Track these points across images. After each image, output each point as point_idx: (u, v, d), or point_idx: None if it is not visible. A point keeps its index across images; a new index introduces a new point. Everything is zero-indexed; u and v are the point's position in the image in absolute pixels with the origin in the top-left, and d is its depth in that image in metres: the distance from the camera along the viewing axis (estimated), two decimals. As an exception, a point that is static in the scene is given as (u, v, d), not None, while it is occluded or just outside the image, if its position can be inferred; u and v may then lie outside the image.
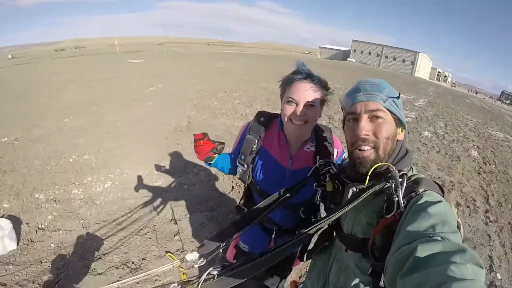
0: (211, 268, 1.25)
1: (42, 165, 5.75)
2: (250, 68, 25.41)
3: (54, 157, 6.09)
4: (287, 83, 1.64)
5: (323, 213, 1.68)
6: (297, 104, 1.58)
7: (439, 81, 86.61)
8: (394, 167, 1.08)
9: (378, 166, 1.14)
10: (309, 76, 1.60)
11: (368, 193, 1.09)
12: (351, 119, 1.24)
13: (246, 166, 1.86)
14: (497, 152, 9.08)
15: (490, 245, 4.47)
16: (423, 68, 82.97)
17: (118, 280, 3.17)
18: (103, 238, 3.87)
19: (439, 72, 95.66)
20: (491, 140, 10.54)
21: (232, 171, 1.99)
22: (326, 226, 1.50)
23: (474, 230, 4.67)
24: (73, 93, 12.35)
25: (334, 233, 1.52)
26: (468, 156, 8.21)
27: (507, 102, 62.33)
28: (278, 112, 1.83)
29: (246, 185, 2.02)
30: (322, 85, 1.65)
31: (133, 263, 3.49)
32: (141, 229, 4.03)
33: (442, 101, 20.30)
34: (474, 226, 4.77)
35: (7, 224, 3.69)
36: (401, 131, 1.24)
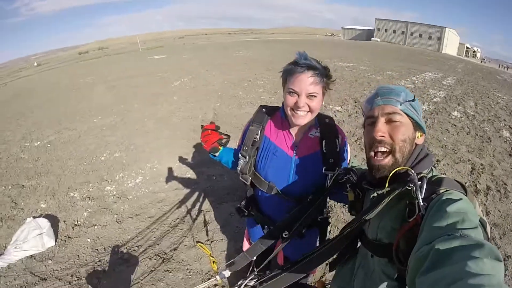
0: (247, 280, 1.31)
1: (75, 165, 5.98)
2: (272, 55, 25.29)
3: (86, 157, 6.32)
4: (288, 74, 1.59)
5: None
6: (298, 95, 1.55)
7: (468, 57, 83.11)
8: (412, 171, 1.09)
9: (397, 170, 1.14)
10: (310, 68, 1.54)
11: (390, 198, 1.09)
12: (370, 122, 1.25)
13: (248, 157, 1.81)
14: None
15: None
16: (451, 44, 79.86)
17: (151, 271, 3.31)
18: (136, 231, 3.99)
19: (467, 47, 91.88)
20: None
21: (236, 164, 1.94)
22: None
23: (505, 215, 4.47)
24: (100, 94, 12.69)
25: (359, 242, 1.50)
26: (500, 137, 7.80)
27: (541, 77, 59.39)
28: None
29: (248, 183, 1.90)
30: (324, 74, 1.59)
31: (165, 253, 3.57)
32: (173, 221, 4.13)
33: (472, 78, 19.52)
34: (504, 211, 4.56)
35: (45, 222, 3.86)
36: (420, 135, 1.24)
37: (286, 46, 36.49)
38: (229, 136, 1.95)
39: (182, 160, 5.90)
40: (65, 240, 3.92)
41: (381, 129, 1.18)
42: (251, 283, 1.33)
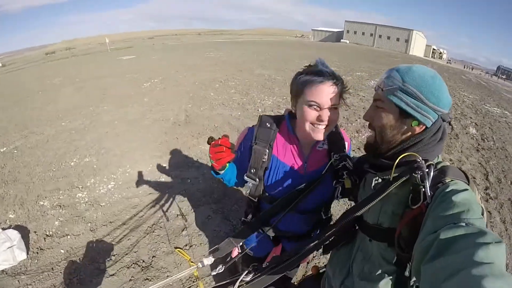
0: (243, 275, 1.29)
1: (43, 172, 5.77)
2: (243, 55, 25.28)
3: (55, 162, 6.11)
4: (306, 84, 1.42)
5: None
6: (320, 108, 1.42)
7: (434, 58, 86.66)
8: (420, 158, 1.07)
9: (406, 155, 1.12)
10: (332, 77, 1.41)
11: (396, 185, 1.07)
12: None
13: (258, 179, 1.65)
14: (495, 129, 9.11)
15: (491, 222, 4.51)
16: (418, 46, 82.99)
17: (130, 280, 3.23)
18: (112, 239, 3.90)
19: (434, 49, 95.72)
20: (488, 116, 10.57)
21: (239, 184, 1.80)
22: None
23: None
24: (68, 96, 12.33)
25: (356, 226, 1.50)
26: (467, 133, 8.22)
27: (503, 77, 61.95)
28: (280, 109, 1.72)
29: (255, 200, 1.78)
30: (342, 82, 1.47)
31: (143, 261, 3.51)
32: (149, 227, 4.06)
33: None
34: None
35: (15, 234, 3.71)
36: (416, 125, 1.16)
37: (257, 47, 36.64)
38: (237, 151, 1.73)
39: (155, 163, 5.80)
40: (37, 252, 3.78)
41: (368, 113, 1.27)
42: (248, 278, 1.32)
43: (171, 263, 3.46)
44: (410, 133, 1.19)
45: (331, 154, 1.61)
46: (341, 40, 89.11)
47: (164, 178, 5.30)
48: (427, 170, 1.02)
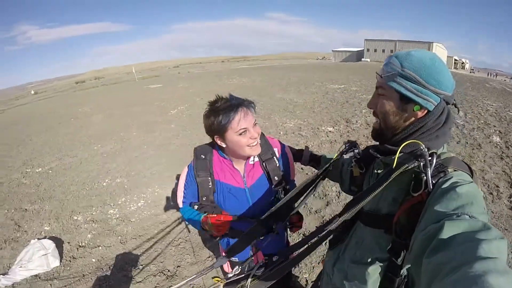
0: (255, 269, 1.35)
1: (77, 190, 6.13)
2: (265, 80, 25.70)
3: (88, 182, 6.48)
4: (228, 121, 1.64)
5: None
6: (248, 130, 1.66)
7: (457, 69, 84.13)
8: (423, 145, 1.06)
9: (409, 142, 1.12)
10: (242, 104, 1.67)
11: (399, 172, 1.07)
12: None
13: (210, 204, 1.87)
14: None
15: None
16: None
17: (155, 287, 3.44)
18: (140, 250, 4.13)
19: (455, 59, 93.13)
20: None
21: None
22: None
23: (498, 216, 4.56)
24: (98, 122, 12.90)
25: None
26: (490, 142, 7.95)
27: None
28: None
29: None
30: (249, 102, 1.73)
31: (169, 271, 3.71)
32: (175, 240, 4.26)
33: (461, 89, 19.63)
34: (497, 212, 4.66)
35: (50, 243, 4.01)
36: (418, 109, 1.15)
37: (278, 72, 37.08)
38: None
39: (182, 184, 5.99)
40: (70, 260, 4.04)
41: (370, 101, 1.27)
42: (259, 272, 1.35)
43: (194, 272, 3.63)
44: (413, 118, 1.17)
45: (263, 163, 1.90)
46: (362, 59, 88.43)
47: (190, 198, 5.47)
48: (429, 158, 1.03)
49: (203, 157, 1.85)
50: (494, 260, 0.62)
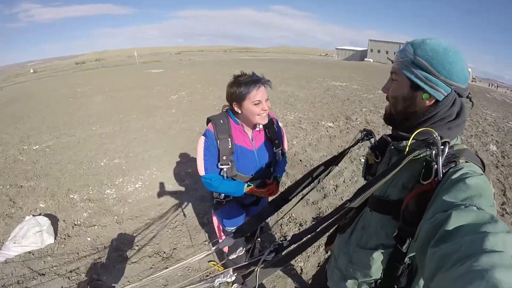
0: (266, 254, 1.34)
1: (74, 169, 6.07)
2: (267, 72, 25.00)
3: (86, 162, 6.42)
4: (248, 91, 2.03)
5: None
6: (261, 102, 2.06)
7: None
8: (437, 133, 1.05)
9: (422, 129, 1.10)
10: (260, 81, 2.08)
11: (409, 158, 1.07)
12: None
13: (230, 163, 2.20)
14: None
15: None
16: None
17: (150, 268, 3.40)
18: (136, 231, 4.09)
19: None
20: (511, 134, 10.30)
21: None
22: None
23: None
24: (98, 103, 12.83)
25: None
26: (486, 150, 8.07)
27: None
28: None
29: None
30: (267, 81, 2.13)
31: (164, 252, 3.67)
32: (171, 223, 4.23)
33: None
34: None
35: (45, 220, 3.96)
36: (426, 98, 1.15)
37: (281, 65, 37.13)
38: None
39: (180, 168, 6.01)
40: (64, 238, 4.00)
41: (385, 86, 1.29)
42: (270, 257, 1.32)
43: (190, 255, 3.59)
44: (421, 106, 1.18)
45: (266, 130, 2.35)
46: (365, 59, 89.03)
47: (188, 181, 5.47)
48: (442, 147, 1.02)
49: (222, 122, 2.18)
50: (500, 254, 0.61)
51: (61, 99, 14.51)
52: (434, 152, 1.03)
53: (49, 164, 6.44)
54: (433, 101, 1.15)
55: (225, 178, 2.25)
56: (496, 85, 65.99)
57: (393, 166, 1.09)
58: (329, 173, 1.76)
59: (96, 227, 4.21)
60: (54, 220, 4.25)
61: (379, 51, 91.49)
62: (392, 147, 1.34)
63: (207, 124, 2.27)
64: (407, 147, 1.12)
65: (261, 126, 2.31)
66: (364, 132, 1.60)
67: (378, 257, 1.29)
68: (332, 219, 1.25)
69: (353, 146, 1.65)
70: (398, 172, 1.09)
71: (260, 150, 2.33)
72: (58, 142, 7.87)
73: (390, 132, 1.41)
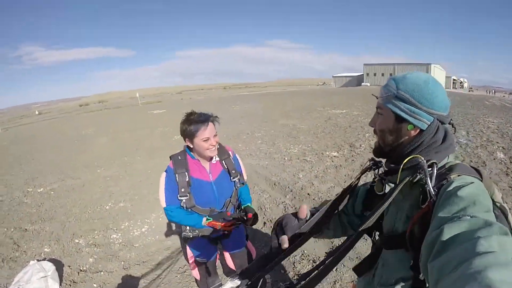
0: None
1: (79, 213, 6.03)
2: (268, 107, 25.89)
3: (91, 205, 6.38)
4: (197, 130, 2.30)
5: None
6: (210, 139, 2.32)
7: (456, 88, 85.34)
8: (422, 158, 1.09)
9: (410, 158, 1.14)
10: (208, 119, 2.35)
11: (401, 187, 1.11)
12: None
13: (188, 195, 2.40)
14: None
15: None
16: (437, 78, 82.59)
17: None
18: (144, 277, 4.01)
19: (454, 79, 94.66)
20: None
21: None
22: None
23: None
24: (102, 145, 12.91)
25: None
26: (494, 159, 7.98)
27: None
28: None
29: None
30: (215, 118, 2.44)
31: (174, 299, 3.59)
32: (180, 267, 4.15)
33: (461, 109, 19.95)
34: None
35: (50, 266, 3.86)
36: (411, 128, 1.20)
37: (280, 98, 37.51)
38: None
39: (186, 210, 5.92)
40: (70, 285, 3.93)
41: (371, 120, 1.35)
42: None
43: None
44: (407, 136, 1.23)
45: (222, 162, 2.56)
46: (362, 83, 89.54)
47: (195, 224, 5.38)
48: (429, 169, 1.06)
49: (180, 158, 2.46)
50: (494, 254, 0.62)
51: (65, 141, 14.64)
52: (423, 175, 1.06)
53: (54, 207, 6.40)
54: (418, 130, 1.20)
55: (185, 209, 2.44)
56: (493, 91, 66.44)
57: (386, 197, 1.13)
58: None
59: (102, 273, 4.14)
60: (59, 266, 4.18)
61: (375, 74, 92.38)
62: (389, 182, 1.38)
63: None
64: (398, 177, 1.16)
65: (217, 158, 2.55)
66: (372, 162, 1.57)
67: None
68: (337, 254, 1.27)
69: (360, 176, 1.59)
70: (400, 205, 1.19)
71: (217, 181, 2.52)
72: (63, 184, 7.87)
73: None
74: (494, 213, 0.95)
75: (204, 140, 2.30)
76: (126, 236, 5.10)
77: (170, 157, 2.51)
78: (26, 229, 5.44)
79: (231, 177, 2.58)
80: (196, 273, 3.06)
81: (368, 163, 1.58)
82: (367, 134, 11.78)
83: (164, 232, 5.14)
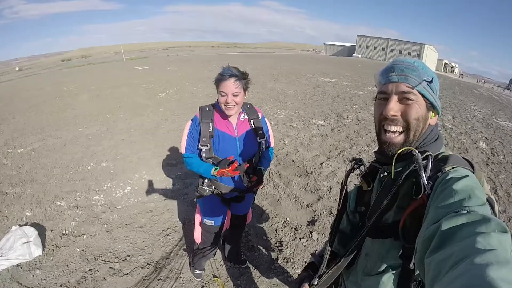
0: (316, 280, 1.42)
1: (61, 174, 5.90)
2: (256, 69, 25.53)
3: (73, 165, 6.25)
4: (218, 82, 2.29)
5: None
6: (227, 95, 2.25)
7: (446, 72, 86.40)
8: (417, 151, 1.06)
9: (402, 150, 1.12)
10: (231, 76, 2.25)
11: (399, 182, 1.09)
12: (381, 98, 1.21)
13: (208, 145, 2.41)
14: (506, 143, 9.02)
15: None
16: (429, 60, 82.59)
17: (143, 279, 3.30)
18: (127, 240, 3.98)
19: (445, 63, 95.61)
20: (499, 130, 10.52)
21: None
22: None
23: None
24: (84, 102, 12.57)
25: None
26: (477, 148, 8.18)
27: (516, 90, 60.95)
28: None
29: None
30: (242, 77, 2.32)
31: (157, 262, 3.58)
32: (163, 230, 4.14)
33: (450, 93, 20.28)
34: None
35: (32, 231, 3.80)
36: (434, 115, 1.20)
37: (270, 61, 37.07)
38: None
39: (170, 171, 5.90)
40: (53, 249, 3.86)
41: (394, 107, 1.15)
42: (314, 283, 1.41)
43: (184, 265, 3.53)
44: (428, 125, 1.19)
45: (250, 121, 2.56)
46: (353, 54, 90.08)
47: (179, 185, 5.38)
48: (424, 161, 1.04)
49: (207, 109, 2.48)
50: (493, 252, 0.61)
51: (47, 98, 14.17)
52: (418, 167, 1.04)
53: (35, 168, 6.25)
54: (436, 119, 1.22)
55: (203, 158, 2.47)
56: (483, 81, 67.38)
57: (385, 193, 1.17)
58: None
59: (85, 236, 4.08)
60: (41, 230, 4.10)
61: (367, 47, 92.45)
62: (385, 173, 1.31)
63: None
64: (392, 168, 1.14)
65: (246, 117, 2.56)
66: (354, 161, 1.55)
67: (388, 279, 1.25)
68: (346, 254, 1.32)
69: (346, 179, 1.54)
70: (391, 196, 1.14)
71: (242, 138, 2.52)
72: (44, 144, 7.66)
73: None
74: None
75: (222, 95, 2.29)
76: (109, 197, 5.03)
77: (199, 107, 2.52)
78: (6, 193, 5.29)
79: (258, 138, 2.57)
80: (197, 236, 3.11)
81: (350, 164, 1.55)
82: (354, 106, 11.87)
83: (147, 194, 5.09)
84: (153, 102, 12.11)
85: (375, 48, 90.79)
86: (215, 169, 2.40)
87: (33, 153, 7.12)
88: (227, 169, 2.32)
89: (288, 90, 14.86)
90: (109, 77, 22.06)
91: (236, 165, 2.36)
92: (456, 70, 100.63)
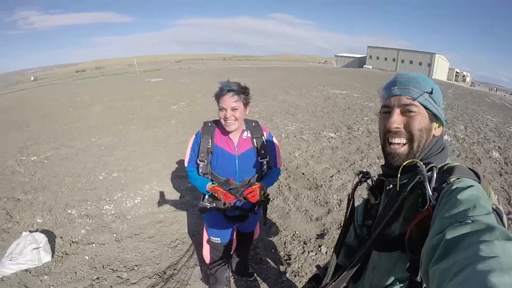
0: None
1: (72, 183, 5.98)
2: (268, 82, 25.65)
3: (84, 175, 6.33)
4: (217, 97, 2.28)
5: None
6: (226, 110, 2.23)
7: (458, 81, 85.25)
8: (421, 163, 1.07)
9: (407, 162, 1.14)
10: (230, 90, 2.23)
11: (404, 195, 1.11)
12: (385, 111, 1.24)
13: (205, 161, 2.42)
14: None
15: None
16: (441, 69, 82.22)
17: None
18: (136, 250, 3.99)
19: (457, 72, 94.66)
20: None
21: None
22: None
23: None
24: (98, 113, 12.75)
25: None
26: (489, 157, 8.02)
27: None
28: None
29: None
30: (242, 92, 2.29)
31: (165, 273, 3.59)
32: (172, 241, 4.15)
33: (461, 102, 19.99)
34: None
35: (42, 237, 3.85)
36: (438, 127, 1.22)
37: (280, 73, 37.14)
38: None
39: (180, 182, 5.93)
40: (62, 256, 3.90)
41: (396, 120, 1.18)
42: None
43: (191, 277, 3.53)
44: (433, 136, 1.21)
45: (253, 140, 2.49)
46: (364, 65, 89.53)
47: (188, 197, 5.39)
48: (429, 173, 1.05)
49: (209, 124, 2.49)
50: (496, 259, 0.61)
51: (61, 108, 14.43)
52: (422, 179, 1.05)
53: (47, 176, 6.35)
54: (441, 130, 1.24)
55: (199, 173, 2.49)
56: (495, 89, 66.45)
57: (390, 205, 1.18)
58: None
59: (94, 245, 4.12)
60: (51, 237, 4.15)
61: (377, 58, 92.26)
62: (391, 185, 1.31)
63: None
64: (397, 181, 1.17)
65: (248, 135, 2.51)
66: (361, 175, 1.55)
67: None
68: (353, 263, 1.32)
69: (353, 192, 1.56)
70: (396, 207, 1.14)
71: (242, 157, 2.48)
72: (57, 153, 7.79)
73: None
74: None
75: (221, 110, 2.27)
76: (119, 207, 5.07)
77: (203, 122, 2.54)
78: (18, 199, 5.39)
79: (259, 157, 2.52)
80: (206, 254, 3.08)
81: (357, 178, 1.56)
82: (365, 118, 11.76)
83: (156, 205, 5.13)
84: (165, 114, 12.23)
85: (385, 59, 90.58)
86: (212, 183, 2.43)
87: (46, 161, 7.24)
88: (221, 190, 2.34)
89: (299, 102, 14.86)
90: (122, 88, 22.40)
91: (232, 181, 2.44)
92: (468, 79, 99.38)
